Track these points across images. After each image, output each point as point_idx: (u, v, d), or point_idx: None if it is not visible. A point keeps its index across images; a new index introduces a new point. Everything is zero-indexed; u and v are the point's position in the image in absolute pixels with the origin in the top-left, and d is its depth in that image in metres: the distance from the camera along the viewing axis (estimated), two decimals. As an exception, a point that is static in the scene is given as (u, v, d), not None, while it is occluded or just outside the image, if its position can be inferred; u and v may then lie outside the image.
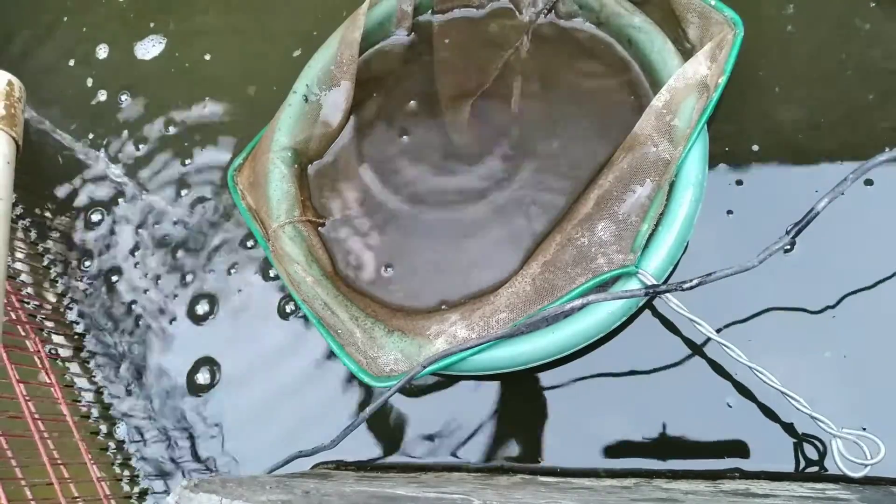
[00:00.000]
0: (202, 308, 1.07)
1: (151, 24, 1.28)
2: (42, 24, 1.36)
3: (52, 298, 1.15)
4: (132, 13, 1.31)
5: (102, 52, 1.30)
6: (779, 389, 0.75)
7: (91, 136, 1.24)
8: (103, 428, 1.05)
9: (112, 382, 1.08)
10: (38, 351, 1.03)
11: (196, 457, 1.00)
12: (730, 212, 0.90)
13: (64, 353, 1.09)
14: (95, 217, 1.19)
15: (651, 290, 0.76)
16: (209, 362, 1.04)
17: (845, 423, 0.74)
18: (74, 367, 1.08)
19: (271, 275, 1.05)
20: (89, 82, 1.28)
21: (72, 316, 1.14)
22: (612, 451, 0.85)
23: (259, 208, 0.96)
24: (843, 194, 0.74)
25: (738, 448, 0.81)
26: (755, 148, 0.93)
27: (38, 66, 1.33)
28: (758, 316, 0.85)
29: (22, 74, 1.15)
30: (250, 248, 1.08)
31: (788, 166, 0.91)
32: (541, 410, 0.89)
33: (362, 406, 0.95)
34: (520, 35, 1.02)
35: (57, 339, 1.11)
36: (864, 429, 0.75)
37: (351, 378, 0.97)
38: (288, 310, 1.03)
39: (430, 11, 1.06)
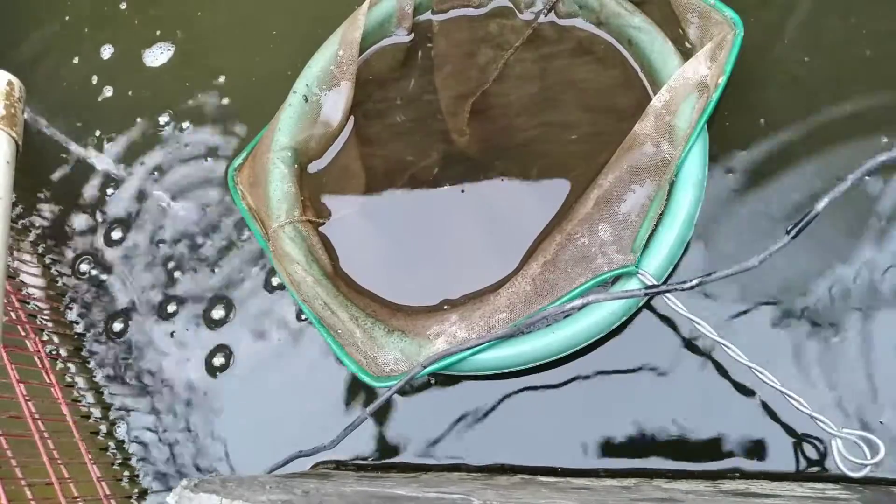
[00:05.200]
0: (204, 308, 1.07)
1: (157, 32, 1.28)
2: (45, 26, 1.36)
3: (51, 298, 1.15)
4: (136, 19, 1.31)
5: (107, 52, 1.30)
6: (779, 389, 0.75)
7: (94, 136, 1.24)
8: (103, 428, 1.05)
9: (112, 382, 1.08)
10: (38, 351, 1.03)
11: (196, 456, 1.00)
12: (731, 209, 0.90)
13: (64, 353, 1.09)
14: (96, 217, 1.19)
15: (651, 290, 0.76)
16: (210, 363, 1.04)
17: (850, 423, 0.74)
18: (74, 368, 1.08)
19: (273, 275, 1.06)
20: (94, 80, 1.28)
21: (72, 316, 1.14)
22: (612, 451, 0.85)
23: (259, 208, 0.96)
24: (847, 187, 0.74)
25: (738, 448, 0.81)
26: (756, 147, 0.93)
27: (40, 66, 1.33)
28: (758, 316, 0.85)
29: (23, 74, 1.15)
30: (252, 248, 1.09)
31: (789, 165, 0.91)
32: (541, 410, 0.89)
33: (362, 406, 0.95)
34: (520, 35, 1.02)
35: (57, 339, 1.11)
36: (882, 422, 0.75)
37: (351, 378, 0.97)
38: (288, 310, 1.03)
39: (429, 11, 1.06)
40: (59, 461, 0.93)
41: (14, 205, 1.20)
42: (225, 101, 1.19)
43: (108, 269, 1.15)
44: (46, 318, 1.11)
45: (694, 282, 0.74)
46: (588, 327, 0.80)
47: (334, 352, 0.87)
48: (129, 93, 1.25)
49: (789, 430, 0.80)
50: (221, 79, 1.21)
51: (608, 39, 0.98)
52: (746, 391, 0.83)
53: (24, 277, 1.15)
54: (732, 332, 0.85)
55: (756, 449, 0.81)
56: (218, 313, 1.06)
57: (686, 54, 0.90)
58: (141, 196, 1.18)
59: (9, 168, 1.03)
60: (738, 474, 0.80)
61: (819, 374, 0.82)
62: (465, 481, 0.79)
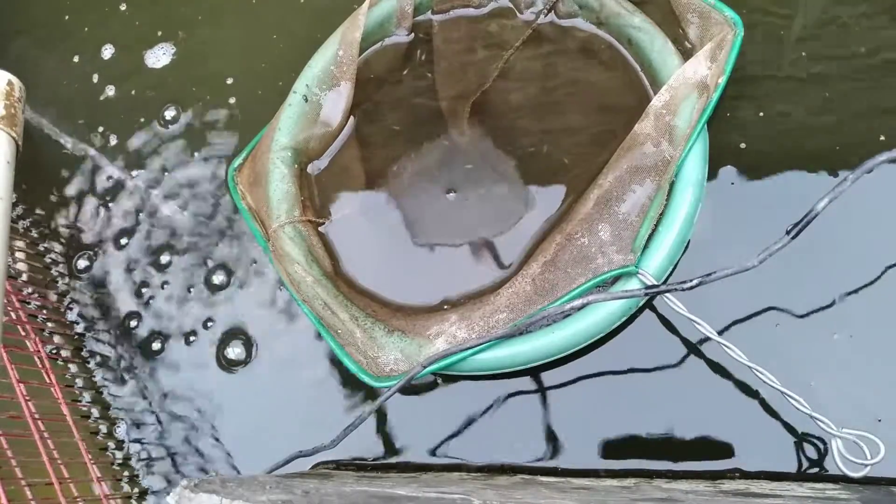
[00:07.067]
0: (203, 308, 1.07)
1: (159, 33, 1.28)
2: (45, 25, 1.36)
3: (52, 298, 1.15)
4: (137, 20, 1.31)
5: (107, 52, 1.30)
6: (779, 389, 0.75)
7: (97, 135, 1.24)
8: (103, 428, 1.05)
9: (112, 382, 1.08)
10: (38, 351, 1.03)
11: (196, 457, 1.00)
12: (731, 209, 0.90)
13: (64, 353, 1.09)
14: (96, 217, 1.19)
15: (651, 290, 0.76)
16: (209, 363, 1.04)
17: (852, 421, 0.74)
18: (74, 367, 1.08)
19: (272, 275, 1.05)
20: (95, 79, 1.28)
21: (72, 316, 1.14)
22: (612, 451, 0.85)
23: (259, 208, 0.96)
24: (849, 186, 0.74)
25: (738, 448, 0.81)
26: (755, 147, 0.93)
27: (41, 65, 1.33)
28: (758, 316, 0.85)
29: (23, 73, 1.15)
30: (251, 249, 1.09)
31: (789, 165, 0.91)
32: (541, 410, 0.89)
33: (362, 406, 0.95)
34: (520, 35, 1.02)
35: (57, 339, 1.11)
36: (879, 420, 0.75)
37: (351, 378, 0.97)
38: (288, 310, 1.03)
39: (429, 11, 1.06)
40: (59, 461, 0.92)
41: (14, 205, 1.20)
42: (229, 100, 1.19)
43: (108, 269, 1.15)
44: (46, 318, 1.11)
45: (694, 282, 0.74)
46: (588, 327, 0.80)
47: (334, 352, 0.87)
48: (132, 92, 1.25)
49: (789, 430, 0.80)
50: (222, 79, 1.21)
51: (608, 39, 0.98)
52: (746, 391, 0.83)
53: (24, 277, 1.15)
54: (732, 332, 0.85)
55: (756, 449, 0.81)
56: (220, 315, 1.06)
57: (686, 54, 0.90)
58: (142, 196, 1.18)
59: (9, 168, 1.03)
60: (738, 474, 0.80)
61: (819, 373, 0.82)
62: (465, 481, 0.79)
